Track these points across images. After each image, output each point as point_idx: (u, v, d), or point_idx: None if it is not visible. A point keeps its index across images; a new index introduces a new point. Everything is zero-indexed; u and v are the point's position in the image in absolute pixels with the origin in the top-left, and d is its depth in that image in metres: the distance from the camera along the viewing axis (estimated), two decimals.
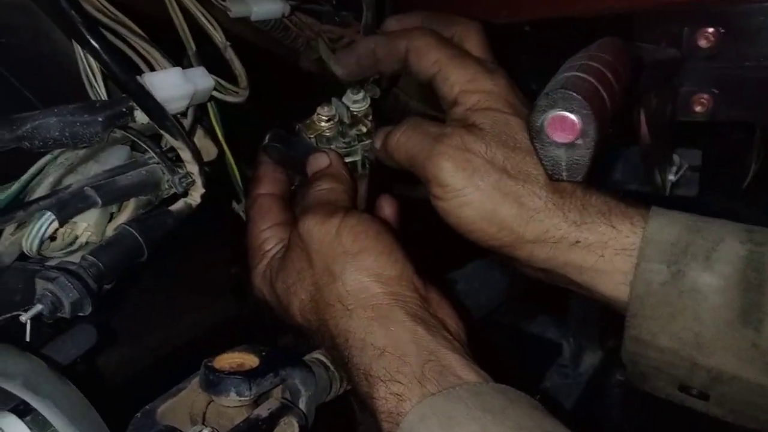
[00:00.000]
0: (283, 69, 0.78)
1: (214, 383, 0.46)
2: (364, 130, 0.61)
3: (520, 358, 0.88)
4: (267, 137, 0.59)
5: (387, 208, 0.60)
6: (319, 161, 0.57)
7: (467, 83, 0.51)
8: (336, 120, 0.60)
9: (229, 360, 0.49)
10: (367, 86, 0.64)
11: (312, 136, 0.59)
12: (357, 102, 0.61)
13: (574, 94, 0.40)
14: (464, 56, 0.53)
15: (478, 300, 0.79)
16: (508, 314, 0.92)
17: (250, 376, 0.46)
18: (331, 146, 0.60)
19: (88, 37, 0.45)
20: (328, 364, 0.56)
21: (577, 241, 0.47)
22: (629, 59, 0.47)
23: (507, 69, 0.83)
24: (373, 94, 0.63)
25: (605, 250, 0.47)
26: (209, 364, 0.48)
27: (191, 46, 0.58)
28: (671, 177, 0.73)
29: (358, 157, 0.61)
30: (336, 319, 0.47)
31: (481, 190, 0.48)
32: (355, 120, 0.61)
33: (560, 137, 0.42)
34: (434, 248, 0.64)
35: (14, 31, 0.51)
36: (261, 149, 0.61)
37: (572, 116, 0.41)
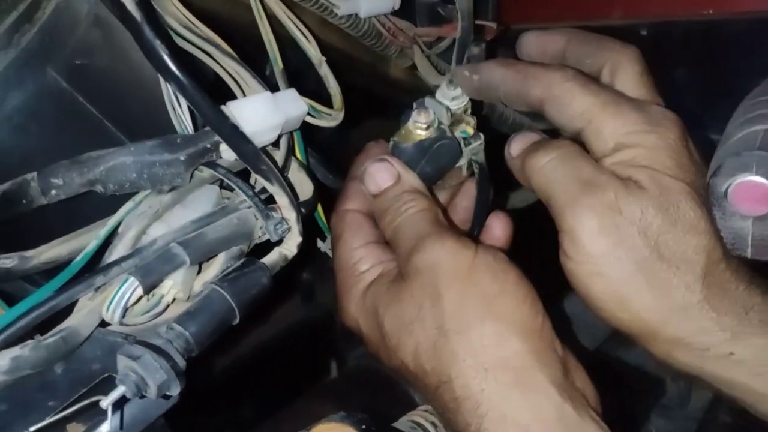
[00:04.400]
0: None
1: None
2: (471, 131, 0.52)
3: (616, 394, 0.80)
4: None
5: (499, 229, 0.52)
6: (387, 175, 0.47)
7: (625, 136, 0.41)
8: (436, 125, 0.51)
9: None
10: None
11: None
12: (456, 98, 0.52)
13: None
14: (620, 102, 0.42)
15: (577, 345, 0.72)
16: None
17: None
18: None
19: (172, 67, 0.38)
20: (431, 430, 0.50)
21: (730, 353, 0.39)
22: None
23: None
24: None
25: (766, 368, 0.38)
26: None
27: (278, 63, 0.51)
28: None
29: (463, 161, 0.53)
30: (466, 378, 0.40)
31: (622, 267, 0.39)
32: (457, 119, 0.52)
33: (750, 208, 0.34)
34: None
35: (91, 50, 0.45)
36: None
37: None
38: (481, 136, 0.53)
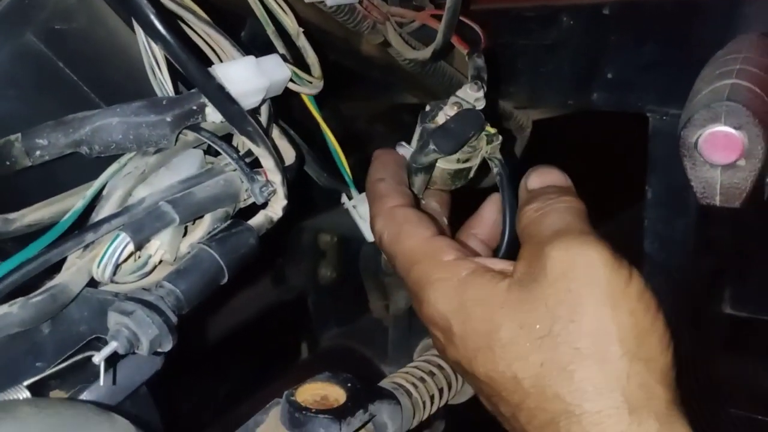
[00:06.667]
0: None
1: (301, 423, 0.41)
2: (492, 130, 0.49)
3: None
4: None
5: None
6: (554, 176, 0.44)
7: None
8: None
9: (312, 392, 0.44)
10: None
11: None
12: (478, 100, 0.50)
13: (743, 107, 0.34)
14: None
15: None
16: None
17: (339, 414, 0.42)
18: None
19: (159, 26, 0.38)
20: (411, 390, 0.51)
21: None
22: None
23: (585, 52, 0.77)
24: None
25: None
26: (292, 398, 0.43)
27: (270, 25, 0.52)
28: None
29: (476, 162, 0.50)
30: (601, 414, 0.35)
31: None
32: None
33: (719, 157, 0.35)
34: None
35: (69, 14, 0.45)
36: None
37: (737, 133, 0.35)
38: (500, 136, 0.52)
